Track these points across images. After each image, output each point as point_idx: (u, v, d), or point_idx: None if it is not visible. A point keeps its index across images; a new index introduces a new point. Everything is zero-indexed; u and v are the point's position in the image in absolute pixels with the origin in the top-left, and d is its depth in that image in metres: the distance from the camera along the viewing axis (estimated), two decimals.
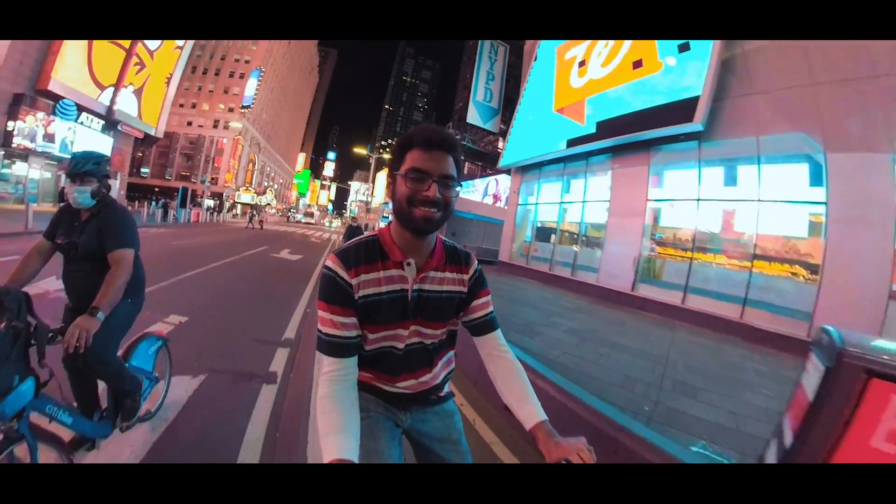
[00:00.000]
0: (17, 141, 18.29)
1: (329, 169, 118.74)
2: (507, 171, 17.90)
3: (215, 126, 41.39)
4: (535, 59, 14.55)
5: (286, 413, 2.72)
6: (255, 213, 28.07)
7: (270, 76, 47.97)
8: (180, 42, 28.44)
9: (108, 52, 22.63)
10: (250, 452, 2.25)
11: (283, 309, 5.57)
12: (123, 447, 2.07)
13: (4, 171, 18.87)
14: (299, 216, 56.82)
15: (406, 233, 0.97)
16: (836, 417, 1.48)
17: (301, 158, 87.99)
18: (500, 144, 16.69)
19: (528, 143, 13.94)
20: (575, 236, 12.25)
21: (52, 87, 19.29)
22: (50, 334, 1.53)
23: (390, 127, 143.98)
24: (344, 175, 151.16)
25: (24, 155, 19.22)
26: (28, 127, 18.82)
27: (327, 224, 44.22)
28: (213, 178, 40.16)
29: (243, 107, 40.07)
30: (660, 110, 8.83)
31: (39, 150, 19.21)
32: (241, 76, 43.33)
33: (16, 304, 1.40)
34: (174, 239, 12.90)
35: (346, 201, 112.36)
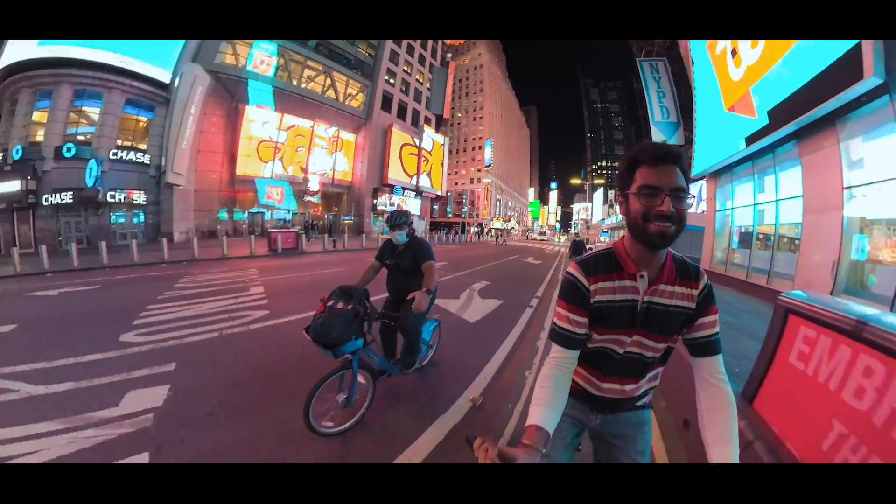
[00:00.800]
0: (379, 207, 33.45)
1: (553, 196, 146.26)
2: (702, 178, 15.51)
3: (471, 182, 63.49)
4: (693, 64, 12.90)
5: (537, 317, 5.92)
6: (500, 233, 36.90)
7: (498, 141, 66.96)
8: (442, 141, 41.84)
9: (411, 159, 37.15)
10: (520, 325, 5.33)
11: (534, 285, 9.82)
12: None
13: (375, 222, 34.51)
14: (535, 234, 72.67)
15: (639, 246, 1.00)
16: (772, 339, 2.16)
17: (531, 192, 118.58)
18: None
19: (712, 148, 12.37)
20: (771, 239, 10.02)
21: (389, 181, 34.37)
22: (377, 315, 2.51)
23: (596, 150, 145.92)
24: (566, 199, 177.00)
25: (381, 213, 34.65)
26: (382, 200, 33.69)
27: (556, 240, 51.33)
28: (475, 214, 61.92)
29: (486, 167, 56.12)
30: (825, 76, 7.09)
31: (388, 210, 34.03)
32: (479, 147, 64.10)
33: (360, 295, 2.36)
34: (467, 251, 21.99)
35: (571, 221, 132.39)
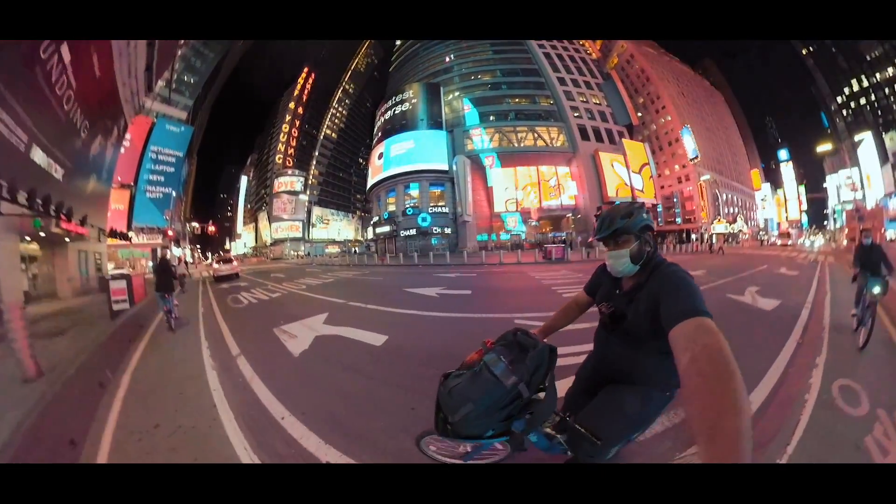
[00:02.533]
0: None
1: (786, 172, 77.71)
2: None
3: (679, 182, 51.45)
4: None
5: (814, 316, 4.99)
6: (714, 240, 29.74)
7: (693, 124, 51.35)
8: (645, 149, 40.78)
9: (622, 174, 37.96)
10: (804, 317, 4.91)
11: (801, 296, 6.64)
12: None
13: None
14: (773, 238, 53.38)
15: None
16: None
17: (755, 175, 70.41)
18: None
19: None
20: None
21: (608, 198, 35.59)
22: (545, 417, 1.20)
23: (832, 68, 50.64)
24: (811, 174, 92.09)
25: None
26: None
27: (806, 244, 33.52)
28: (691, 218, 49.52)
29: (691, 160, 46.76)
30: None
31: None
32: (676, 140, 51.38)
33: (537, 358, 1.18)
34: (706, 260, 16.79)
35: (826, 210, 69.21)
